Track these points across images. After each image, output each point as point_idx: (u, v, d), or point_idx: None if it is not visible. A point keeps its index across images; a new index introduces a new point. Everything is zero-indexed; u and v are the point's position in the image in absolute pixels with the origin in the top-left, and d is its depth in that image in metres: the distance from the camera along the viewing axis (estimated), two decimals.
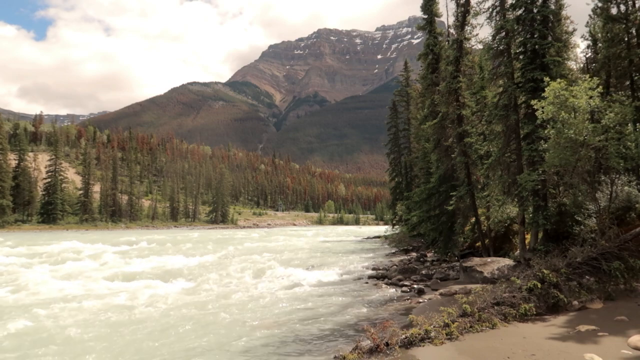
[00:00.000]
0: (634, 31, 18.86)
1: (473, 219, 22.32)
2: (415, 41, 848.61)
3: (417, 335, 8.36)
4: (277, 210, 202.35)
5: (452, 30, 21.63)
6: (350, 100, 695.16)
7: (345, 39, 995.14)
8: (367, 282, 18.49)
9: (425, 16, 25.26)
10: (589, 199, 14.31)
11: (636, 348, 7.35)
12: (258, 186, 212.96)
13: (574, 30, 16.31)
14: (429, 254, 28.13)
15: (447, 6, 30.43)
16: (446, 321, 8.93)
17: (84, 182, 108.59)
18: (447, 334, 8.57)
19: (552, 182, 15.23)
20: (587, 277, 11.09)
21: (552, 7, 15.85)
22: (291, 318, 11.94)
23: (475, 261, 17.09)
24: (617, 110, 12.64)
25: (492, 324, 9.17)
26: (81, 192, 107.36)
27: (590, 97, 12.61)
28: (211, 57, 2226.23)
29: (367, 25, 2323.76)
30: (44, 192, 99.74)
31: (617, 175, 14.13)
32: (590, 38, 22.23)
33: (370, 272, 21.28)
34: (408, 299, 14.51)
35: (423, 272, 20.16)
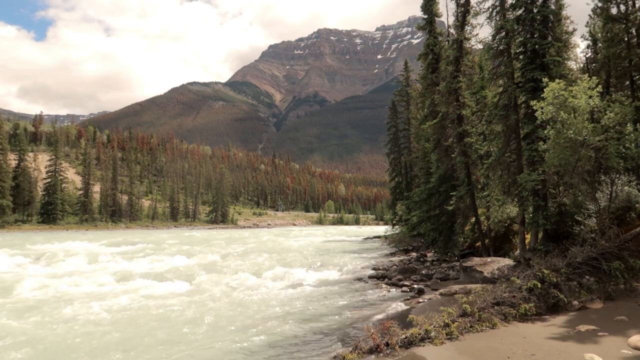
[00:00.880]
0: (634, 31, 18.87)
1: (473, 219, 22.32)
2: (415, 41, 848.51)
3: (417, 335, 8.36)
4: (277, 210, 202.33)
5: (452, 30, 21.62)
6: (350, 100, 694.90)
7: (345, 39, 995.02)
8: (367, 282, 18.49)
9: (425, 16, 25.26)
10: (589, 199, 14.30)
11: (636, 348, 7.35)
12: (258, 186, 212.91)
13: (574, 30, 16.31)
14: (429, 254, 28.13)
15: (447, 6, 30.45)
16: (446, 321, 8.93)
17: (84, 182, 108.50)
18: (447, 334, 8.57)
19: (552, 182, 15.23)
20: (587, 277, 11.09)
21: (552, 7, 15.84)
22: (291, 318, 11.94)
23: (475, 261, 17.09)
24: (617, 110, 12.63)
25: (492, 324, 9.17)
26: (81, 192, 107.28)
27: (590, 97, 12.60)
28: (211, 57, 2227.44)
29: (367, 25, 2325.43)
30: (44, 192, 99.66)
31: (617, 175, 14.12)
32: (590, 38, 22.24)
33: (370, 272, 21.28)
34: (408, 299, 14.52)
35: (423, 272, 20.16)
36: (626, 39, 19.00)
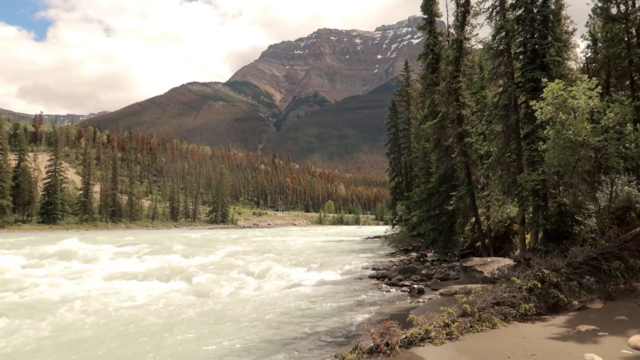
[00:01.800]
0: (634, 31, 18.87)
1: (473, 219, 22.32)
2: (415, 41, 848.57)
3: (417, 335, 8.35)
4: (277, 210, 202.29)
5: (452, 30, 21.63)
6: (350, 100, 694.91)
7: (345, 39, 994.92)
8: (367, 282, 18.49)
9: (425, 16, 25.27)
10: (589, 199, 14.30)
11: (636, 348, 7.35)
12: (258, 186, 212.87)
13: (574, 30, 16.30)
14: (429, 254, 28.13)
15: (447, 6, 30.48)
16: (446, 321, 8.93)
17: (84, 182, 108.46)
18: (447, 334, 8.57)
19: (552, 182, 15.23)
20: (587, 277, 11.08)
21: (552, 7, 15.84)
22: (291, 318, 11.94)
23: (475, 261, 17.09)
24: (616, 110, 12.62)
25: (492, 324, 9.17)
26: (81, 192, 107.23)
27: (589, 98, 12.60)
28: (211, 57, 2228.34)
29: (367, 25, 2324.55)
30: (44, 192, 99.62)
31: (617, 175, 14.12)
32: (590, 38, 22.25)
33: (370, 272, 21.28)
34: (408, 299, 14.52)
35: (423, 272, 20.16)
36: (626, 39, 19.00)
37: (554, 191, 15.60)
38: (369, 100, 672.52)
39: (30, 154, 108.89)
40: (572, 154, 12.84)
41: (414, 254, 30.26)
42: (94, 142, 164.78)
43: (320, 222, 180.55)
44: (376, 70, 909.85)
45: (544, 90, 13.32)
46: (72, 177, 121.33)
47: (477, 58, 21.08)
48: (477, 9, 18.52)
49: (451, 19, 21.00)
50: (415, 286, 16.58)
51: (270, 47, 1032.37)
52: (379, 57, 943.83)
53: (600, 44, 21.29)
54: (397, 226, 46.18)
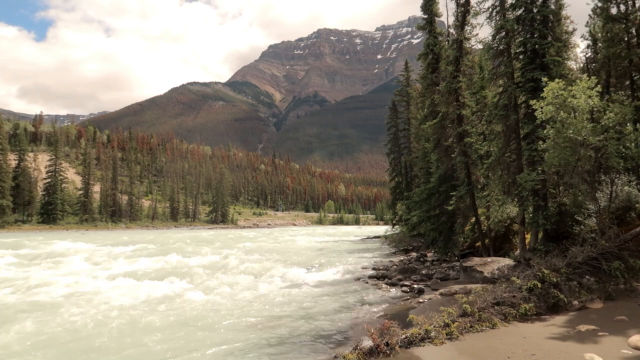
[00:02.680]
0: (634, 31, 18.87)
1: (473, 219, 22.31)
2: (415, 41, 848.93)
3: (417, 335, 8.35)
4: (277, 210, 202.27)
5: (452, 30, 21.63)
6: (350, 100, 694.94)
7: (345, 39, 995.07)
8: (367, 282, 18.48)
9: (425, 16, 25.27)
10: (589, 199, 14.30)
11: (636, 348, 7.34)
12: (258, 186, 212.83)
13: (574, 30, 16.31)
14: (429, 254, 28.13)
15: (447, 6, 30.49)
16: (446, 321, 8.93)
17: (84, 182, 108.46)
18: (447, 334, 8.57)
19: (552, 182, 15.23)
20: (587, 277, 11.08)
21: (552, 7, 15.85)
22: (291, 318, 11.94)
23: (475, 261, 17.09)
24: (616, 110, 12.62)
25: (492, 324, 9.17)
26: (81, 192, 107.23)
27: (589, 97, 12.60)
28: (211, 57, 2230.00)
29: (367, 25, 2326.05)
30: (44, 192, 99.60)
31: (617, 175, 14.12)
32: (590, 38, 22.23)
33: (370, 272, 21.27)
34: (408, 299, 14.51)
35: (423, 272, 20.16)
36: (626, 38, 18.99)
37: (554, 191, 15.60)
38: (369, 100, 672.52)
39: (30, 154, 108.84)
40: (572, 154, 12.84)
41: (414, 254, 30.25)
42: (94, 142, 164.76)
43: (320, 222, 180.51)
44: (376, 70, 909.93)
45: (544, 90, 13.33)
46: (72, 177, 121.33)
47: (477, 58, 21.07)
48: (477, 8, 18.53)
49: (451, 19, 21.04)
50: (415, 286, 16.58)
51: (270, 47, 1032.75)
52: (379, 57, 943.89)
53: (600, 44, 21.28)
54: (397, 226, 46.19)
